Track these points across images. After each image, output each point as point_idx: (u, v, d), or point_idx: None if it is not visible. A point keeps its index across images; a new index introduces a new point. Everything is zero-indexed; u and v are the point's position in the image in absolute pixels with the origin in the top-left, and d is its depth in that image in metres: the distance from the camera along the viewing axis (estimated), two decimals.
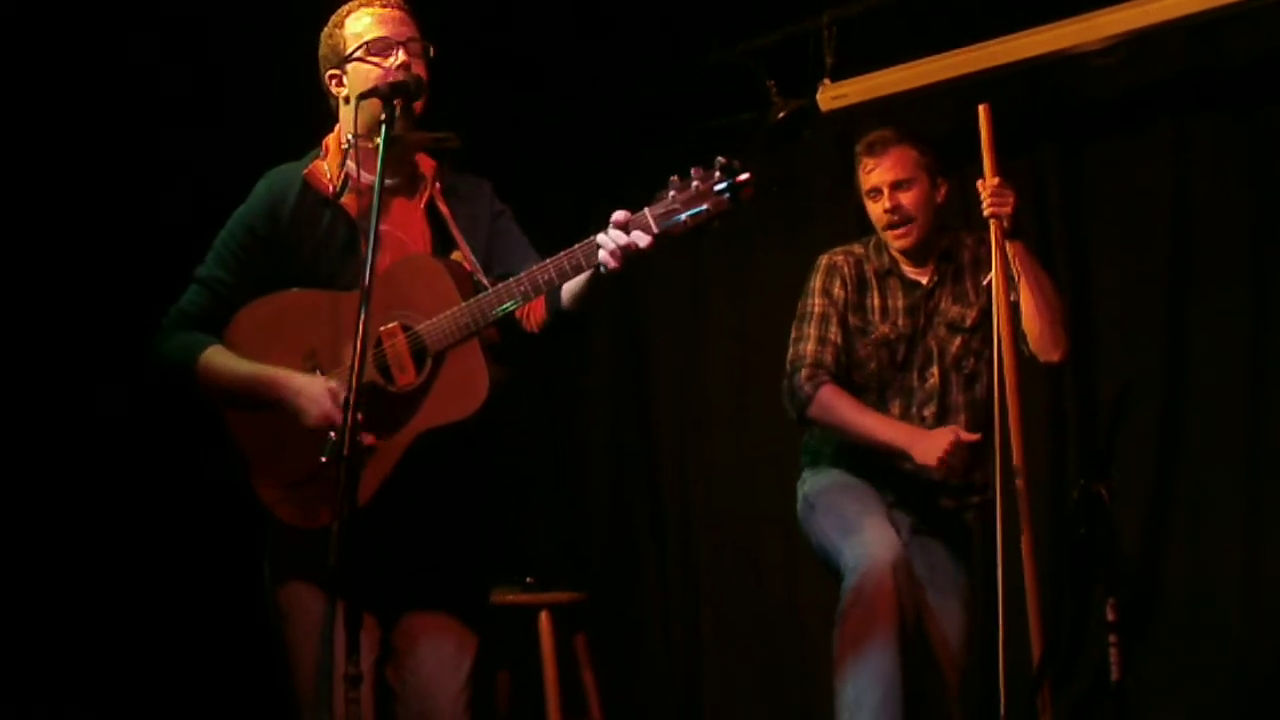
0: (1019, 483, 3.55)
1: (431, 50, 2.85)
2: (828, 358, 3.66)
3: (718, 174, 2.50)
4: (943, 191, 3.72)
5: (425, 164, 2.91)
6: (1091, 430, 4.30)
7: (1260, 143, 4.05)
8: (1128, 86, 4.24)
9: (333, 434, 2.49)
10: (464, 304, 2.70)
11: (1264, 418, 4.02)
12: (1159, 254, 4.21)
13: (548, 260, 2.65)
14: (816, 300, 3.72)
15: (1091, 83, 4.29)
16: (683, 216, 2.51)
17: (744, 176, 2.49)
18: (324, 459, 2.53)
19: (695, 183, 2.51)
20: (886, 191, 3.66)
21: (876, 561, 3.41)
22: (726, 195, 2.49)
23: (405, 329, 2.73)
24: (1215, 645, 4.05)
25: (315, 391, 2.70)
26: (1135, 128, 4.28)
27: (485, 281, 2.77)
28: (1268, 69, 4.01)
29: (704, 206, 2.50)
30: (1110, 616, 3.14)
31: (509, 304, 2.68)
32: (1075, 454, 4.34)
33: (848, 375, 3.69)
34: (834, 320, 3.68)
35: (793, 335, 3.74)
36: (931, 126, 4.00)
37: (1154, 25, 3.95)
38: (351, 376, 2.43)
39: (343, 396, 2.58)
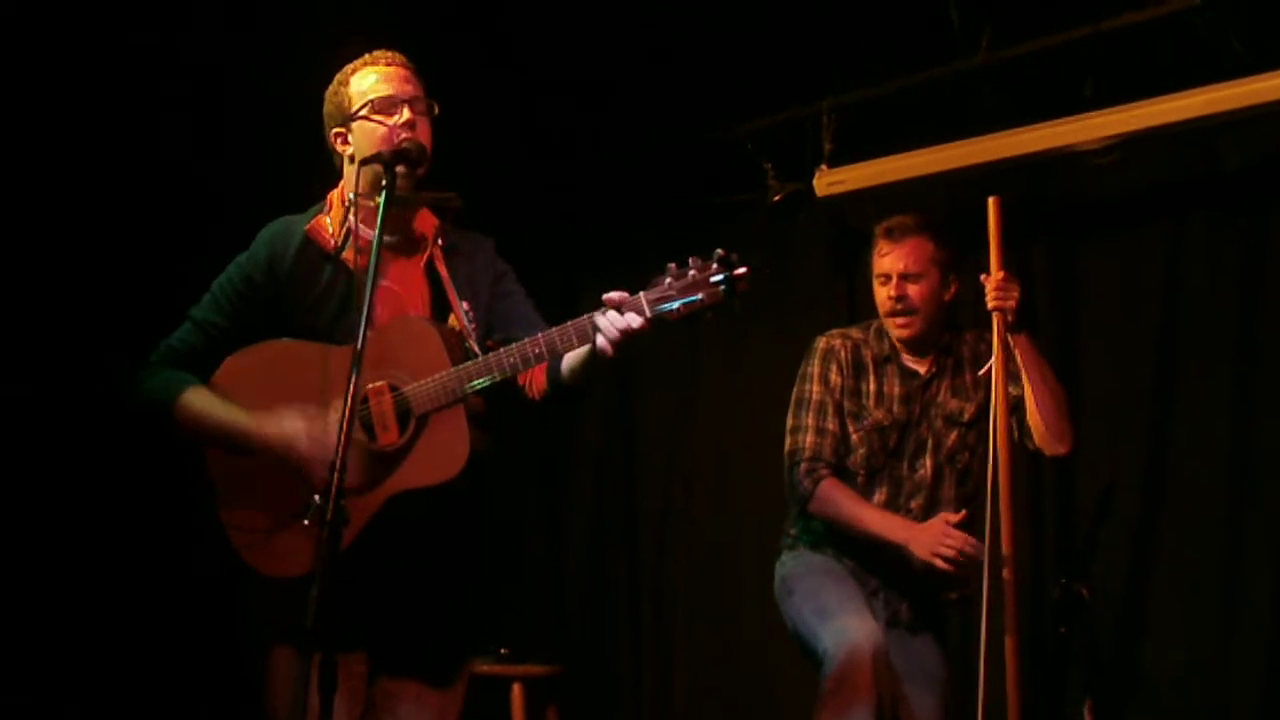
0: (1005, 573, 3.53)
1: (436, 109, 2.87)
2: (826, 450, 3.65)
3: (715, 265, 2.51)
4: (953, 290, 3.69)
5: (427, 222, 2.92)
6: (1071, 529, 4.29)
7: (1250, 246, 4.08)
8: (1124, 186, 4.28)
9: (316, 497, 2.47)
10: (452, 370, 2.69)
11: (1244, 519, 4.01)
12: (1146, 353, 4.23)
13: (539, 334, 2.66)
14: (815, 387, 3.70)
15: (1087, 181, 4.32)
16: (676, 304, 2.52)
17: (741, 271, 2.50)
18: (306, 522, 2.51)
19: (692, 271, 2.52)
20: (895, 280, 3.63)
21: (856, 648, 3.39)
22: (722, 288, 2.50)
23: (392, 389, 2.72)
24: None
25: (290, 431, 2.69)
26: (1129, 227, 4.32)
27: (476, 348, 2.77)
28: (1258, 175, 4.05)
29: (698, 296, 2.51)
30: (1088, 717, 3.12)
31: (495, 375, 2.68)
32: (1054, 552, 4.32)
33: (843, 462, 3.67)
34: (831, 409, 3.67)
35: (790, 422, 3.71)
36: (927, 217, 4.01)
37: (1150, 129, 4.01)
38: (340, 434, 2.39)
39: (319, 427, 2.64)
